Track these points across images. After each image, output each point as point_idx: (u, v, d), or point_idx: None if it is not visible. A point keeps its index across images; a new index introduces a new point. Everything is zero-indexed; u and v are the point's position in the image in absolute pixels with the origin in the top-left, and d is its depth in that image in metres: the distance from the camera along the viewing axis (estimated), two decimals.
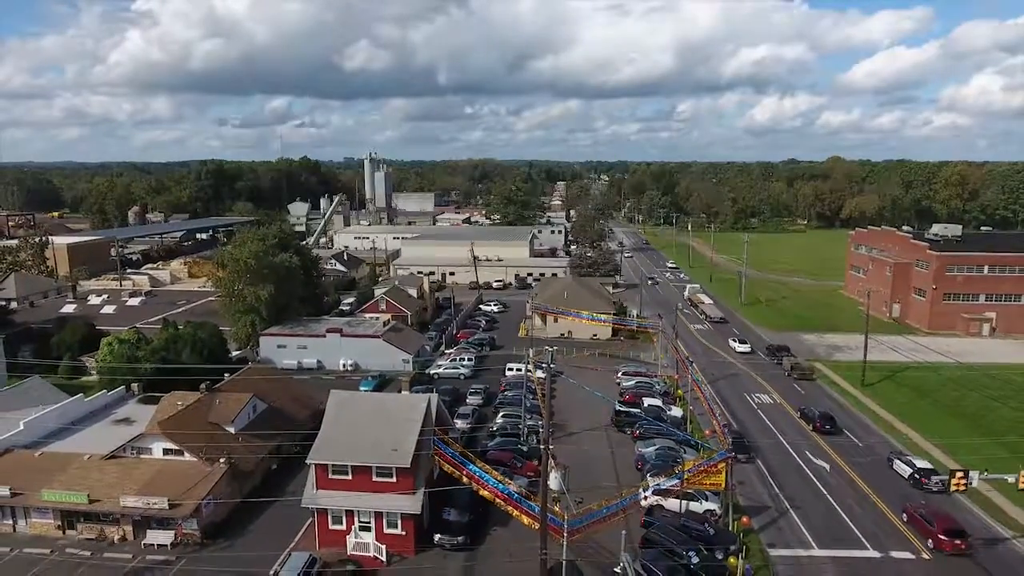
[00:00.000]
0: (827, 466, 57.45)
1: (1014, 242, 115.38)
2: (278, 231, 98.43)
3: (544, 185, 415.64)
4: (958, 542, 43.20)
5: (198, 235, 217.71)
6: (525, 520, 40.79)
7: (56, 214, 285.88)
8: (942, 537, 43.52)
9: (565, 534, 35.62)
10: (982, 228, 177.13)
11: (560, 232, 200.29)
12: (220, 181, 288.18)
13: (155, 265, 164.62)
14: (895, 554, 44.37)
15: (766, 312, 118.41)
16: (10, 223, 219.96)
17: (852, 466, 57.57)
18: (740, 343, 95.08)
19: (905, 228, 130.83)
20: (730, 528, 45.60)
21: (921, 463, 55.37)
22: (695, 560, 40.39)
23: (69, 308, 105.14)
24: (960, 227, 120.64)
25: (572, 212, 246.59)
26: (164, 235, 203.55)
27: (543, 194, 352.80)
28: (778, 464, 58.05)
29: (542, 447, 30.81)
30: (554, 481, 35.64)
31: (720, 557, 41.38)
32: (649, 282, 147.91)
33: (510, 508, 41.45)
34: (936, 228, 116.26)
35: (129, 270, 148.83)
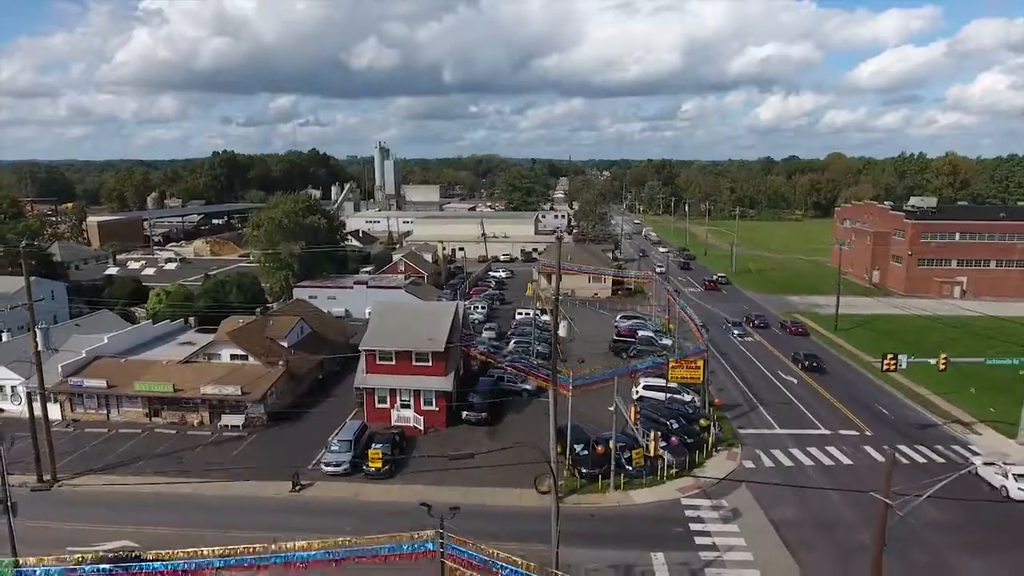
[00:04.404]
0: (795, 380, 66.61)
1: (985, 213, 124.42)
2: (307, 197, 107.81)
3: (547, 180, 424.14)
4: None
5: (214, 220, 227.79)
6: (540, 383, 50.34)
7: (70, 205, 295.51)
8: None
9: (571, 388, 44.64)
10: (958, 203, 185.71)
11: (563, 216, 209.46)
12: (233, 171, 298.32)
13: (178, 244, 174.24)
14: (842, 432, 53.60)
15: (755, 279, 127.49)
16: (34, 212, 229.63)
17: (815, 380, 66.87)
18: (662, 248, 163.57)
19: (886, 202, 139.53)
20: (705, 409, 54.87)
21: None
22: (675, 426, 49.57)
23: (112, 271, 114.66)
24: (935, 199, 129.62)
25: (574, 203, 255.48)
26: (185, 217, 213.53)
27: (546, 186, 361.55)
28: (753, 379, 67.27)
29: (552, 298, 39.22)
30: (563, 329, 44.54)
31: (697, 428, 50.54)
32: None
33: (528, 375, 50.87)
34: (913, 200, 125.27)
35: (155, 248, 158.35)
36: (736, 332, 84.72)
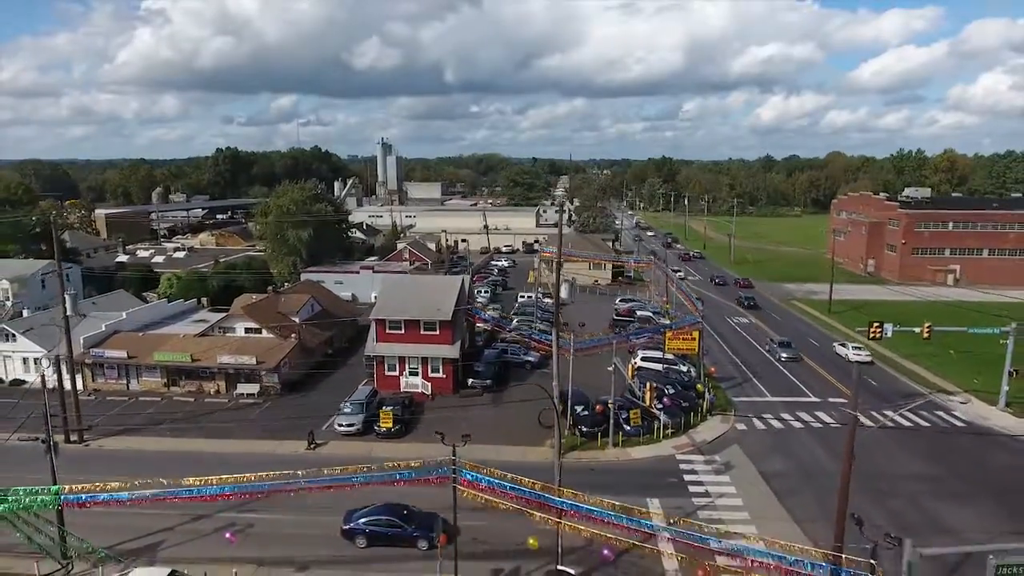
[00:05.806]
0: (788, 356, 68.93)
1: (978, 203, 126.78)
2: (313, 187, 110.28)
3: (548, 178, 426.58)
4: None
5: (218, 215, 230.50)
6: (543, 350, 52.85)
7: (74, 202, 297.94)
8: None
9: (572, 351, 47.00)
10: (953, 194, 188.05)
11: (564, 211, 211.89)
12: (236, 167, 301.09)
13: (184, 237, 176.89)
14: (832, 400, 55.99)
15: (753, 269, 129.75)
16: (41, 208, 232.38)
17: (808, 356, 69.26)
18: (650, 232, 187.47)
19: (881, 193, 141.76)
20: (700, 378, 57.32)
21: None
22: (671, 391, 51.95)
23: (123, 259, 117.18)
24: (929, 190, 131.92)
25: (575, 200, 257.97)
26: (190, 211, 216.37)
27: (547, 184, 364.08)
28: (751, 359, 69.65)
29: (555, 263, 41.89)
30: (564, 291, 46.88)
31: (693, 395, 52.96)
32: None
33: (532, 343, 53.34)
34: (907, 191, 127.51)
35: (162, 240, 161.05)
36: (783, 355, 68.00)
